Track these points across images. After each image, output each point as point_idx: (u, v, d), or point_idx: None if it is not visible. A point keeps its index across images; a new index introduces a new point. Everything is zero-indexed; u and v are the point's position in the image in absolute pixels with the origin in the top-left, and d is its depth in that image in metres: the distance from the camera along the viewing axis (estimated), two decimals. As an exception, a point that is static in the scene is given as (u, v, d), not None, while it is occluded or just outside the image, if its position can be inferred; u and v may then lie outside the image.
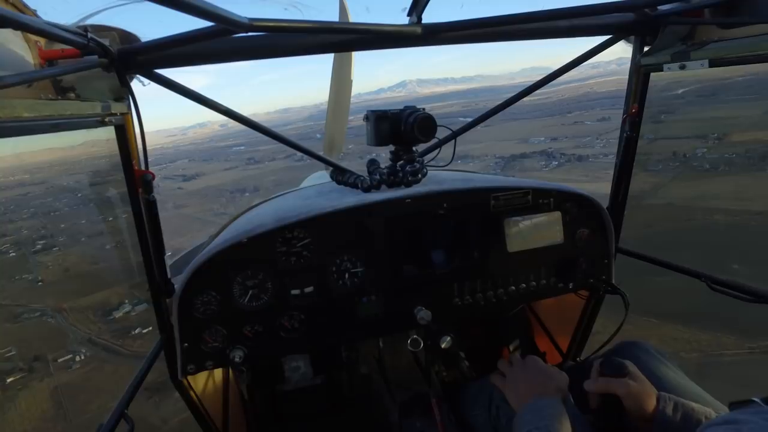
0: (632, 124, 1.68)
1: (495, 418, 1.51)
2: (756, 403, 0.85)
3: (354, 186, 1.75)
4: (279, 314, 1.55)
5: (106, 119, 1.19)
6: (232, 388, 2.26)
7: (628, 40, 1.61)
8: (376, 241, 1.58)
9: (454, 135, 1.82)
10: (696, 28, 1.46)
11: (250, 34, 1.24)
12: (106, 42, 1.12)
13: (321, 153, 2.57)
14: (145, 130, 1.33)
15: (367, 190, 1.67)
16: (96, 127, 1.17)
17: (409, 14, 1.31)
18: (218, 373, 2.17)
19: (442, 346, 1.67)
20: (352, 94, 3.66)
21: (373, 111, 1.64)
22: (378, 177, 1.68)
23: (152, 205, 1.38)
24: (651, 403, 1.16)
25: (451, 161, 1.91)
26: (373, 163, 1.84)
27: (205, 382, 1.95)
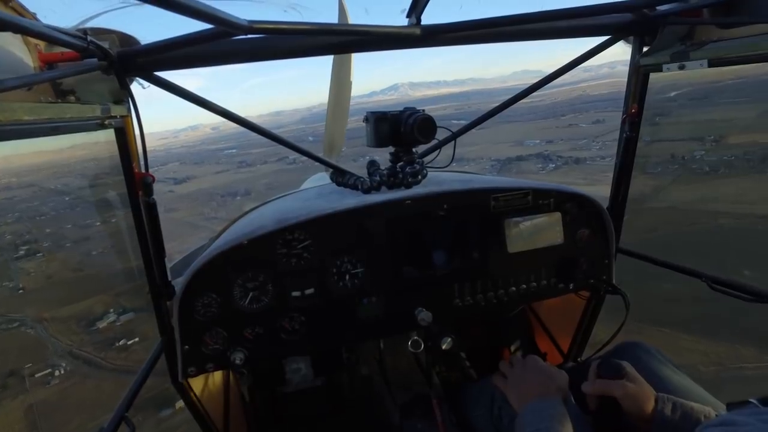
0: (632, 124, 1.68)
1: (497, 418, 1.51)
2: (753, 404, 0.85)
3: (354, 187, 1.75)
4: (279, 316, 1.54)
5: (106, 122, 1.19)
6: (232, 390, 2.26)
7: (627, 41, 1.61)
8: (377, 242, 1.58)
9: (454, 136, 1.82)
10: (695, 28, 1.46)
11: (249, 36, 1.24)
12: (105, 45, 1.12)
13: (320, 154, 2.57)
14: None
15: (367, 191, 1.67)
16: (96, 129, 1.17)
17: (408, 15, 1.31)
18: (219, 375, 2.16)
19: (443, 347, 1.67)
20: (345, 97, 3.59)
21: (372, 112, 1.63)
22: (378, 178, 1.68)
23: (152, 208, 1.38)
24: (649, 404, 1.15)
25: (451, 162, 1.91)
26: (373, 165, 1.84)
27: (205, 384, 1.94)
